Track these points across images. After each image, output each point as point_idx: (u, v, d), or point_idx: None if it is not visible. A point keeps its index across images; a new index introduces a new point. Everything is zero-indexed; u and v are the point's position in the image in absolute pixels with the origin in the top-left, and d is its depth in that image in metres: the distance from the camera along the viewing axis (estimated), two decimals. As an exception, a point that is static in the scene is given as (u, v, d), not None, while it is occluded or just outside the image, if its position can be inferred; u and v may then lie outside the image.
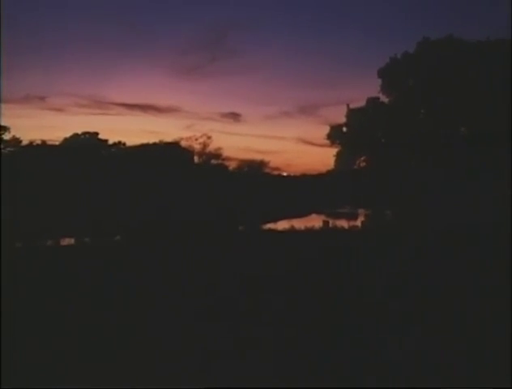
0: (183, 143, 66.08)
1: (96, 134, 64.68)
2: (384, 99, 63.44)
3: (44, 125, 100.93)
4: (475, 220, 27.73)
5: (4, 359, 6.73)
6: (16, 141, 59.40)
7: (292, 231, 26.54)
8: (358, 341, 7.85)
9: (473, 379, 6.24)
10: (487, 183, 43.08)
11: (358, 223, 37.51)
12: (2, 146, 58.26)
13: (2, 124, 58.25)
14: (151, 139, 67.12)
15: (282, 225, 31.06)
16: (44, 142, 60.17)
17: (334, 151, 66.80)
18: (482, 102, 56.07)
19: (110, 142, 65.39)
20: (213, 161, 67.50)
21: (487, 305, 9.52)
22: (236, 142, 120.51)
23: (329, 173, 67.29)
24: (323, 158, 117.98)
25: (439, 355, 7.02)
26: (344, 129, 65.12)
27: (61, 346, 7.40)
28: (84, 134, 64.55)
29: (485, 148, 50.68)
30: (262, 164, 71.11)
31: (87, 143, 62.18)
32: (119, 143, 65.86)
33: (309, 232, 25.92)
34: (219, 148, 67.79)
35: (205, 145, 67.13)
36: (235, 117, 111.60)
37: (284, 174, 75.50)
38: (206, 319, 8.91)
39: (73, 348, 7.35)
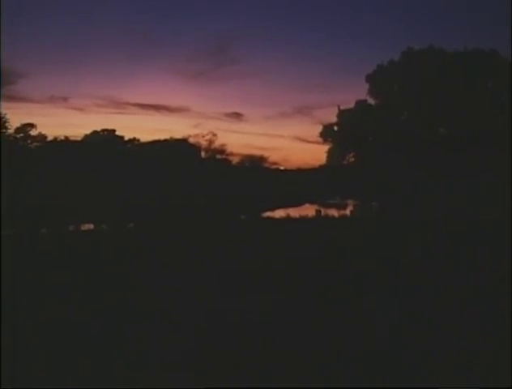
0: (191, 140, 66.05)
1: (113, 131, 64.41)
2: (371, 101, 63.43)
3: (66, 123, 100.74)
4: (451, 211, 27.71)
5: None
6: (42, 137, 59.25)
7: (288, 219, 26.49)
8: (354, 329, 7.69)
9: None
10: (461, 178, 43.06)
11: (347, 212, 37.46)
12: (29, 141, 58.16)
13: (30, 122, 58.13)
14: (163, 136, 66.90)
15: (279, 214, 31.03)
16: (66, 138, 60.09)
17: (326, 148, 66.81)
18: (459, 105, 56.00)
19: (126, 138, 65.26)
20: (218, 156, 67.47)
21: (476, 296, 9.22)
22: (239, 139, 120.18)
23: (321, 167, 67.18)
24: (316, 154, 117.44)
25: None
26: (335, 128, 65.03)
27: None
28: (103, 131, 64.26)
29: (462, 147, 50.68)
30: (261, 159, 71.06)
31: (105, 140, 62.01)
32: (134, 139, 65.72)
33: (303, 219, 25.88)
34: (224, 145, 67.74)
35: (211, 142, 67.08)
36: (238, 116, 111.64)
37: (282, 168, 75.33)
38: (212, 308, 8.77)
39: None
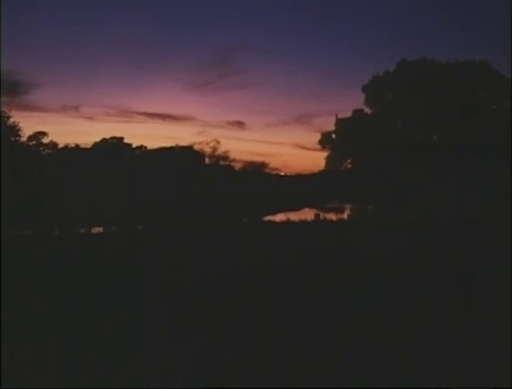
0: (196, 147, 66.17)
1: (122, 139, 64.52)
2: (368, 111, 63.42)
3: (77, 131, 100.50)
4: (445, 214, 27.70)
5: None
6: (54, 144, 59.37)
7: (288, 222, 26.50)
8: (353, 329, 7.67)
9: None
10: (455, 182, 43.06)
11: (345, 216, 37.49)
12: (41, 148, 58.28)
13: (43, 130, 58.28)
14: (169, 144, 67.24)
15: (279, 217, 31.03)
16: (77, 145, 60.28)
17: (324, 154, 66.69)
18: (450, 114, 56.06)
19: (133, 146, 65.42)
20: (221, 162, 67.56)
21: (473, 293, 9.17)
22: (241, 146, 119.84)
23: (320, 173, 67.14)
24: (315, 160, 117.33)
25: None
26: (333, 136, 64.99)
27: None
28: (111, 138, 64.39)
29: (454, 153, 50.69)
30: (263, 165, 71.11)
31: (113, 147, 62.11)
32: (141, 146, 65.88)
33: (303, 223, 25.89)
34: (227, 151, 67.80)
35: (214, 149, 67.15)
36: (240, 125, 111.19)
37: (282, 174, 75.35)
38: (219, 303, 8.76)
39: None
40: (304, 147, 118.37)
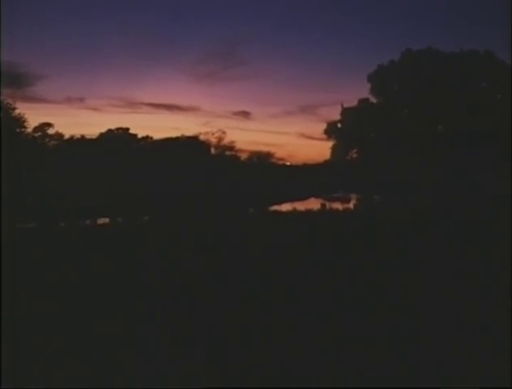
0: (202, 137, 66.08)
1: (127, 129, 64.42)
2: (373, 100, 63.03)
3: (83, 122, 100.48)
4: (450, 204, 27.53)
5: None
6: (59, 136, 59.32)
7: (294, 212, 26.35)
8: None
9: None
10: (460, 172, 42.88)
11: (350, 205, 37.31)
12: (47, 139, 58.22)
13: (48, 121, 58.20)
14: (174, 134, 67.03)
15: (285, 207, 30.89)
16: (83, 136, 60.22)
17: (330, 144, 66.35)
18: (455, 104, 55.73)
19: (139, 136, 65.32)
20: (227, 153, 67.43)
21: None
22: (247, 136, 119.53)
23: (326, 163, 66.90)
24: (321, 150, 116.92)
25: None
26: (339, 125, 64.66)
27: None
28: (117, 129, 64.29)
29: (459, 143, 50.47)
30: (268, 155, 70.98)
31: (119, 138, 62.03)
32: (147, 137, 65.76)
33: (309, 213, 25.75)
34: (232, 142, 67.68)
35: (220, 139, 67.05)
36: (245, 115, 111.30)
37: (288, 164, 75.18)
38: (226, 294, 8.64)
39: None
40: (309, 137, 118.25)
